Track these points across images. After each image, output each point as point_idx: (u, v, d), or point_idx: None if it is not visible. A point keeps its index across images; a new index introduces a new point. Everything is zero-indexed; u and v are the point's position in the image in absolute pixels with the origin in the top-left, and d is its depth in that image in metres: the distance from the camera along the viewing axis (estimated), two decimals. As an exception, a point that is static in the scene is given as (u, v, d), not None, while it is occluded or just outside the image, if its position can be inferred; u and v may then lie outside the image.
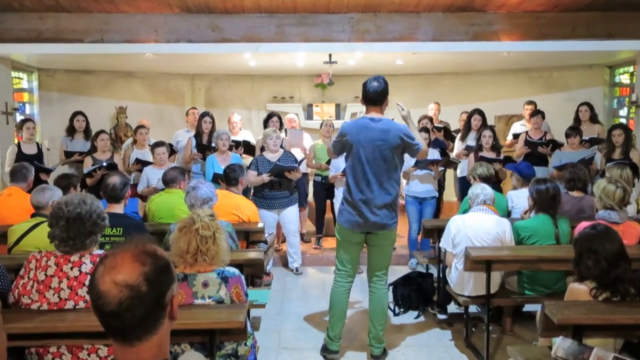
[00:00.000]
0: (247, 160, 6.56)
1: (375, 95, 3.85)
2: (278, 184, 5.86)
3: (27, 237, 3.63)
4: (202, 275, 2.91)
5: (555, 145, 6.50)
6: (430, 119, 7.30)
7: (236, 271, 3.01)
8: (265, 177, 5.71)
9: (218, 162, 6.05)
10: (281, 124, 6.95)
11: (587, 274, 2.90)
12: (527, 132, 6.94)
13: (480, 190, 4.34)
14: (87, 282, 2.50)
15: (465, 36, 6.65)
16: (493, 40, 6.67)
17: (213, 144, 6.36)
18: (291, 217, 6.02)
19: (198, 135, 6.66)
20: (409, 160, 5.95)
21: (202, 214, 3.03)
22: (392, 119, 4.12)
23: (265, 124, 6.91)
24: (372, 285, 4.09)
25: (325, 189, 6.77)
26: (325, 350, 4.12)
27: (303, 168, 6.51)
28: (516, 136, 7.27)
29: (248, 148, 6.68)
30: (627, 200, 3.90)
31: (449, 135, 7.37)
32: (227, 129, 6.78)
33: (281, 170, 5.71)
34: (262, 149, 6.31)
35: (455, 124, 8.03)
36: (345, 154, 3.96)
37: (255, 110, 9.60)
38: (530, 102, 7.53)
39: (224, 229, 3.20)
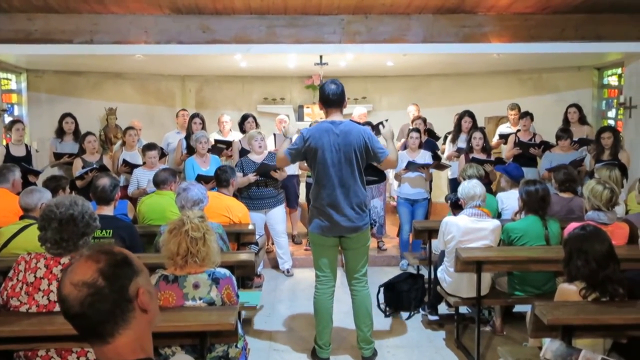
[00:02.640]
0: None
1: (335, 97, 3.85)
2: (264, 183, 5.85)
3: (16, 239, 3.58)
4: (193, 276, 2.90)
5: (547, 146, 6.55)
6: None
7: (227, 272, 3.00)
8: (251, 177, 5.70)
9: (198, 164, 6.04)
10: (256, 124, 6.95)
11: (576, 275, 2.92)
12: (516, 134, 6.97)
13: (471, 188, 4.23)
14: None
15: (456, 38, 6.67)
16: (483, 42, 6.68)
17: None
18: (277, 217, 6.01)
19: (189, 137, 6.64)
20: (401, 163, 5.97)
21: (191, 215, 3.02)
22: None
23: (241, 126, 6.91)
24: (353, 289, 4.06)
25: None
26: (315, 357, 4.10)
27: (292, 170, 6.49)
28: (502, 136, 7.31)
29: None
30: (614, 201, 3.93)
31: (432, 135, 7.41)
32: (206, 132, 6.69)
33: (267, 169, 5.70)
34: (242, 151, 6.30)
35: (445, 126, 8.05)
36: (305, 160, 3.93)
37: (246, 111, 9.56)
38: (514, 107, 7.55)
39: (215, 231, 3.19)
